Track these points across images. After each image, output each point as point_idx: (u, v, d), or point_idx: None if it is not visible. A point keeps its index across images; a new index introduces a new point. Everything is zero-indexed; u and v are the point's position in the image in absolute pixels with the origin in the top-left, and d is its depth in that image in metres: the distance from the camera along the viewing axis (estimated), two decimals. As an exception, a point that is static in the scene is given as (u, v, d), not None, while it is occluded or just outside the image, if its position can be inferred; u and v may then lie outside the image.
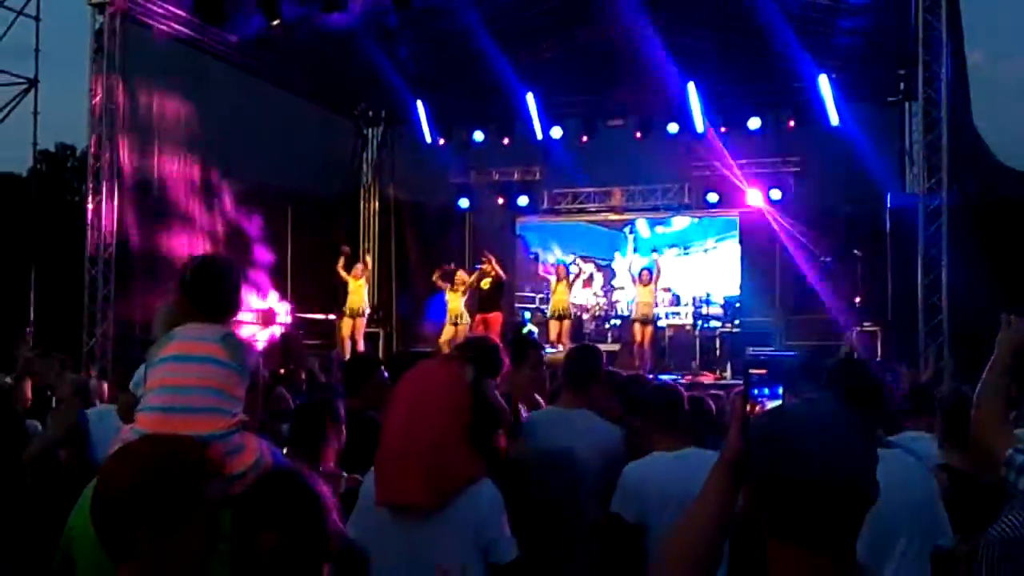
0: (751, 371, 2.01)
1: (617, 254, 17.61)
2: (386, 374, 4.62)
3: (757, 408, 1.96)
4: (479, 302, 14.25)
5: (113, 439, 2.62)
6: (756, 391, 1.98)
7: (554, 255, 17.44)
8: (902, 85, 15.33)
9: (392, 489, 2.74)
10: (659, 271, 14.60)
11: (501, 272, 14.22)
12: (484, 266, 14.35)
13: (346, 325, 14.63)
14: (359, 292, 14.74)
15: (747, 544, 2.08)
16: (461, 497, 2.76)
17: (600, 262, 17.41)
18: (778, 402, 1.96)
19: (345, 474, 3.99)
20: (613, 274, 17.26)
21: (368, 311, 14.96)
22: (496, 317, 13.97)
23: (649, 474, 3.79)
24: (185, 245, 13.42)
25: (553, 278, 14.86)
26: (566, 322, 14.35)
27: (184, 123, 13.94)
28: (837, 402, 1.69)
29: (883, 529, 2.94)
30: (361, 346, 14.48)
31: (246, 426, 2.61)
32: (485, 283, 14.21)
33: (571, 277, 14.86)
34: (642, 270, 14.84)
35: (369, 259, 16.18)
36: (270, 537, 1.97)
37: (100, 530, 1.78)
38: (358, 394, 4.48)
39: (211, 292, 2.83)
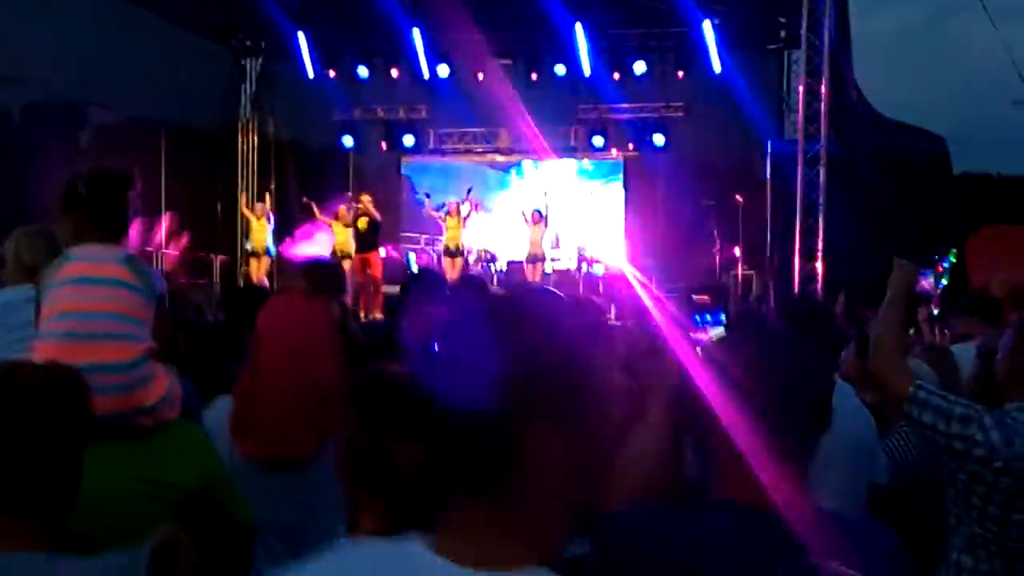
0: (693, 297, 1.98)
1: (502, 194, 17.55)
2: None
3: (701, 336, 1.93)
4: (356, 242, 13.98)
5: None
6: (699, 317, 1.96)
7: (440, 196, 17.25)
8: (783, 33, 15.64)
9: (272, 441, 2.58)
10: (547, 212, 14.68)
11: (375, 213, 13.98)
12: (359, 205, 14.12)
13: (253, 265, 14.19)
14: (262, 231, 14.28)
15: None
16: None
17: (483, 202, 17.33)
18: (720, 329, 1.94)
19: None
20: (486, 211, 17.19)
21: (272, 250, 14.46)
22: (374, 255, 13.83)
23: None
24: (49, 184, 12.67)
25: (443, 213, 14.71)
26: (458, 259, 14.29)
27: (47, 49, 13.05)
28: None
29: (823, 460, 2.98)
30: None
31: (154, 353, 2.41)
32: (361, 223, 13.95)
33: (464, 213, 14.73)
34: (533, 211, 14.86)
35: (268, 197, 15.59)
36: (409, 448, 1.70)
37: None
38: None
39: (113, 206, 2.58)
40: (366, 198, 14.26)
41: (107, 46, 13.73)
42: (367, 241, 13.88)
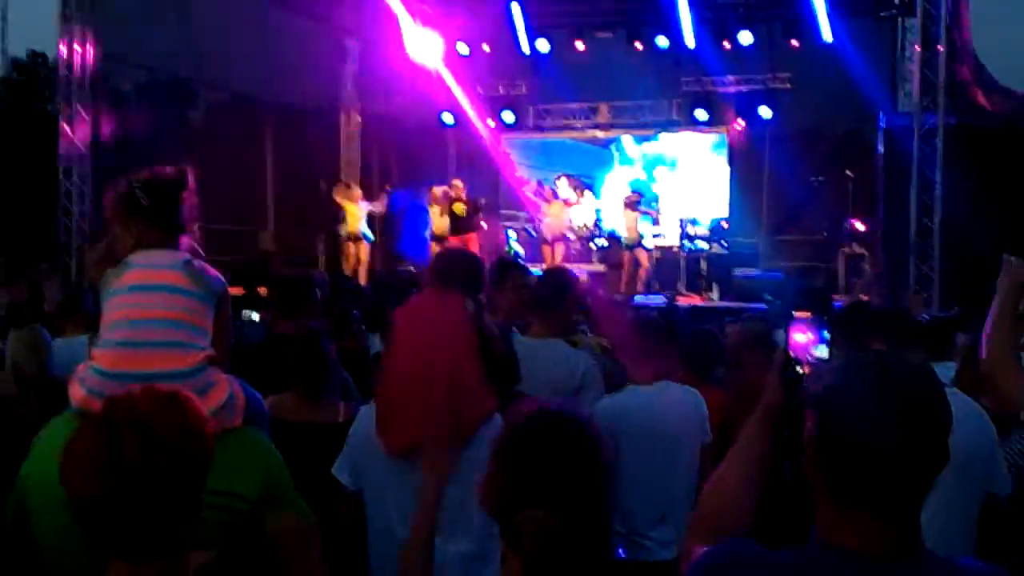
0: (794, 313, 1.87)
1: (604, 171, 17.38)
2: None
3: (799, 355, 1.83)
4: (452, 226, 14.13)
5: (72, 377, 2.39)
6: (800, 335, 1.85)
7: (540, 173, 17.18)
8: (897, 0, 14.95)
9: (412, 432, 2.57)
10: (638, 197, 14.50)
11: (466, 200, 14.13)
12: (452, 192, 14.27)
13: (350, 250, 14.32)
14: (355, 216, 14.36)
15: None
16: (477, 435, 2.62)
17: (585, 180, 17.15)
18: (824, 348, 1.83)
19: (342, 403, 3.85)
20: (595, 192, 17.00)
21: (369, 236, 14.57)
22: (471, 238, 13.90)
23: (621, 410, 3.71)
24: (161, 160, 13.04)
25: (544, 203, 14.62)
26: (559, 246, 14.23)
27: (156, 31, 13.42)
28: (912, 356, 1.56)
29: None
30: (363, 272, 14.20)
31: (214, 360, 2.39)
32: (458, 207, 14.09)
33: (563, 199, 14.64)
34: (631, 194, 14.68)
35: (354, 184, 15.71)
36: (538, 516, 1.65)
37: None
38: (292, 318, 4.34)
39: (173, 211, 2.57)
40: (458, 183, 14.41)
41: (215, 27, 14.04)
42: (464, 224, 14.00)
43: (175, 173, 2.63)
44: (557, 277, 4.52)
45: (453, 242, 13.81)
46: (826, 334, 1.86)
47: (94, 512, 1.60)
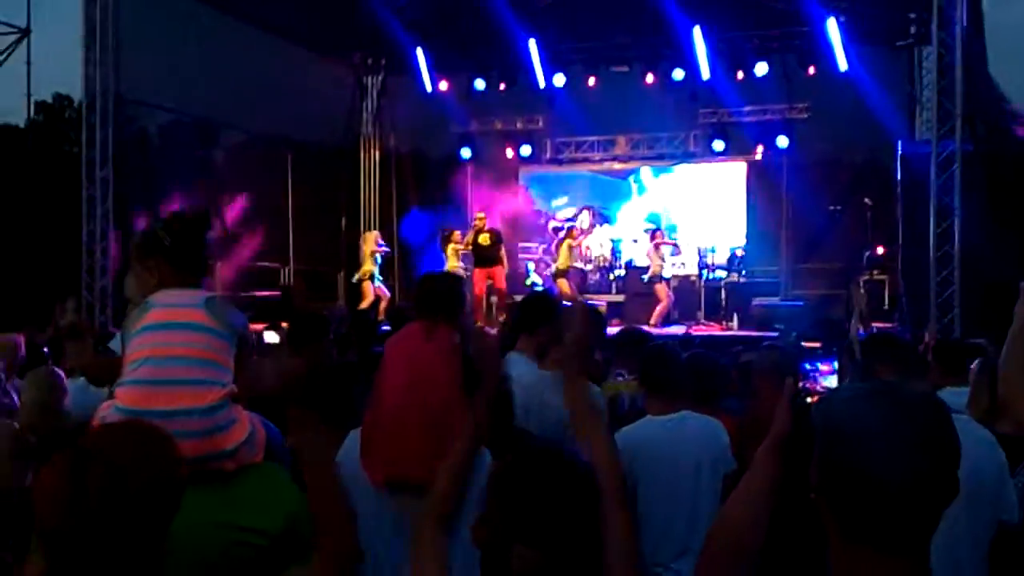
0: (803, 344, 1.89)
1: (622, 203, 17.43)
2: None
3: (809, 385, 1.85)
4: (477, 258, 14.14)
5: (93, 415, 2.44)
6: (809, 365, 1.86)
7: (558, 206, 17.30)
8: (913, 29, 15.00)
9: (396, 465, 2.59)
10: (663, 233, 14.53)
11: (489, 231, 14.17)
12: (476, 223, 14.34)
13: (366, 288, 14.42)
14: (369, 263, 14.43)
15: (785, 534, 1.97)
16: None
17: (602, 211, 17.23)
18: (833, 378, 1.84)
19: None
20: (611, 222, 17.05)
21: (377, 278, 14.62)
22: (498, 271, 13.97)
23: (636, 441, 3.70)
24: (183, 199, 13.23)
25: (559, 238, 14.65)
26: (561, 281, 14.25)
27: (181, 73, 13.64)
28: (918, 386, 1.56)
29: None
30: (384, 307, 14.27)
31: (236, 398, 2.43)
32: (483, 238, 14.10)
33: (576, 237, 14.66)
34: (654, 230, 14.72)
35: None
36: (528, 555, 1.68)
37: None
38: (301, 355, 4.37)
39: (195, 250, 2.62)
40: (481, 215, 14.54)
41: (236, 68, 14.24)
42: (490, 256, 13.99)
43: (196, 214, 2.69)
44: (530, 299, 4.61)
45: (478, 275, 13.95)
46: (835, 364, 1.87)
47: (56, 545, 1.60)
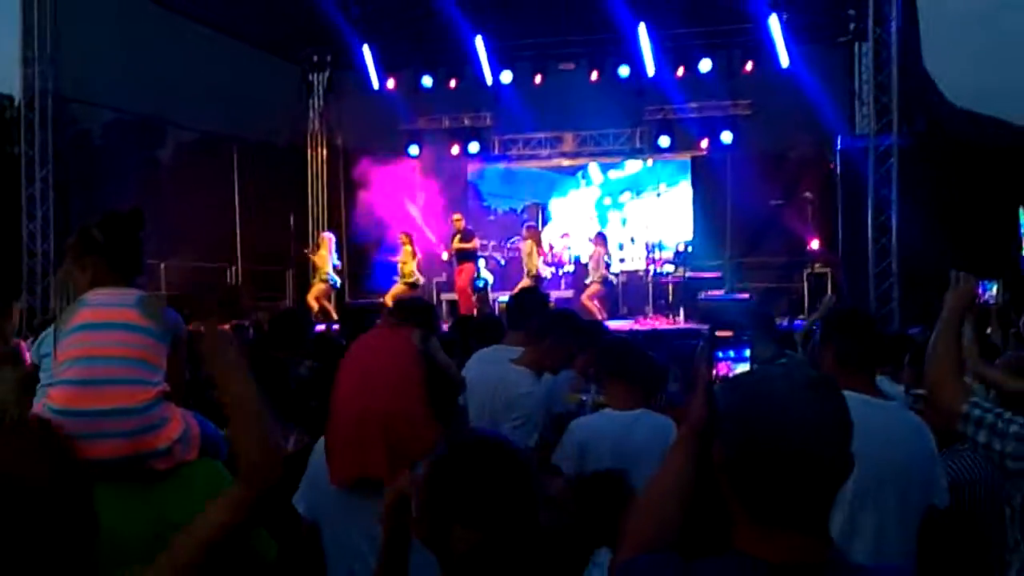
0: (716, 333, 1.94)
1: (567, 198, 17.56)
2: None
3: (723, 372, 1.89)
4: (458, 256, 14.54)
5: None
6: (721, 353, 1.91)
7: (506, 202, 17.39)
8: (852, 26, 15.29)
9: (351, 464, 2.62)
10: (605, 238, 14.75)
11: (463, 231, 14.54)
12: (455, 224, 14.70)
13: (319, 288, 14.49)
14: (324, 262, 14.55)
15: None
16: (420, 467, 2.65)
17: (544, 209, 17.36)
18: (745, 365, 1.89)
19: (295, 433, 3.86)
20: (548, 218, 17.18)
21: (333, 278, 14.70)
22: (467, 267, 14.37)
23: (593, 432, 3.75)
24: (128, 199, 13.07)
25: (526, 241, 14.73)
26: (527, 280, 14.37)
27: (124, 71, 13.46)
28: (810, 366, 1.64)
29: (873, 481, 2.94)
30: (329, 306, 14.44)
31: (168, 396, 2.43)
32: (456, 239, 14.50)
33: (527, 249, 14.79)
34: (596, 235, 14.88)
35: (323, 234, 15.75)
36: (469, 535, 1.71)
37: None
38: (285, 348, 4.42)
39: (128, 249, 2.63)
40: (458, 216, 14.86)
41: (180, 65, 14.08)
42: (464, 255, 14.43)
43: (130, 213, 2.69)
44: (522, 294, 4.73)
45: (458, 271, 14.44)
46: (747, 352, 1.93)
47: None
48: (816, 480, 1.47)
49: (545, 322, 4.57)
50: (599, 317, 13.38)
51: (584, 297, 14.08)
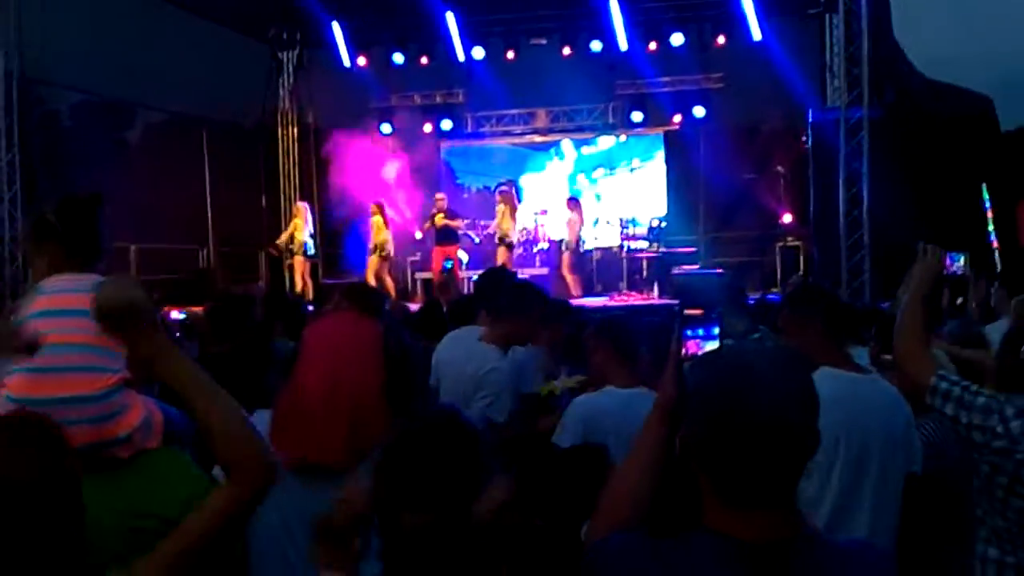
0: (686, 312, 1.95)
1: (541, 174, 17.52)
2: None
3: (692, 351, 1.90)
4: (438, 236, 14.51)
5: None
6: (690, 331, 1.91)
7: (480, 180, 17.33)
8: (823, -3, 15.31)
9: (304, 445, 2.60)
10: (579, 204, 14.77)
11: (446, 211, 14.55)
12: (437, 203, 14.67)
13: (296, 264, 14.50)
14: (299, 232, 14.63)
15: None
16: (372, 454, 2.65)
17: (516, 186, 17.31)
18: (715, 343, 1.90)
19: None
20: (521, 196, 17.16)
21: (309, 249, 14.73)
22: (454, 248, 14.46)
23: (596, 408, 3.76)
24: (96, 182, 12.91)
25: (499, 204, 14.72)
26: (502, 248, 14.38)
27: (91, 52, 13.26)
28: (773, 342, 1.64)
29: (860, 453, 3.05)
30: (309, 288, 14.47)
31: (129, 383, 2.40)
32: (439, 219, 14.43)
33: (515, 202, 14.78)
34: (568, 199, 14.92)
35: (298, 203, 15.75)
36: (415, 519, 1.72)
37: None
38: (226, 338, 4.37)
39: (86, 234, 2.57)
40: (440, 195, 14.87)
41: (148, 46, 13.89)
42: (447, 235, 14.44)
43: (88, 197, 2.64)
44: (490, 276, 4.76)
45: (437, 252, 14.40)
46: (715, 331, 1.94)
47: None
48: (783, 454, 1.48)
49: (508, 297, 4.59)
50: (574, 293, 13.44)
51: (564, 269, 14.12)
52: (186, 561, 1.77)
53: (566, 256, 14.33)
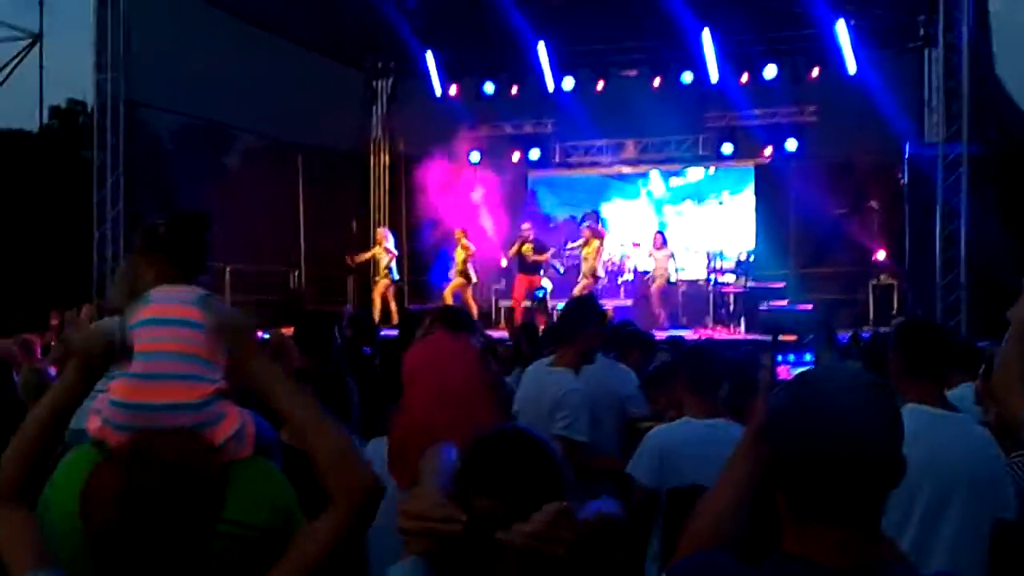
0: (779, 336, 1.94)
1: (629, 204, 17.48)
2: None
3: (784, 376, 1.89)
4: (520, 266, 14.72)
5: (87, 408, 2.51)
6: (781, 357, 1.92)
7: (567, 210, 17.39)
8: (922, 31, 14.95)
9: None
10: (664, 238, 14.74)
11: (533, 241, 14.68)
12: (523, 233, 14.81)
13: (378, 286, 14.92)
14: (381, 257, 14.97)
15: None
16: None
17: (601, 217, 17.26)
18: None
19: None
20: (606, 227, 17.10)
21: (394, 276, 15.06)
22: (536, 279, 14.52)
23: (672, 440, 3.73)
24: (195, 204, 13.32)
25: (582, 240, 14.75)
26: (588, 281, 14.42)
27: (192, 77, 13.76)
28: (863, 368, 1.62)
29: (939, 493, 2.99)
30: (392, 306, 14.80)
31: (226, 393, 2.48)
32: (527, 249, 14.56)
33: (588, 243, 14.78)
34: (656, 233, 14.85)
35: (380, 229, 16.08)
36: (485, 504, 1.80)
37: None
38: (310, 354, 4.46)
39: (193, 248, 2.69)
40: (527, 226, 15.00)
41: (247, 72, 14.38)
42: (532, 266, 14.59)
43: (196, 214, 2.77)
44: (572, 306, 4.80)
45: (520, 280, 14.62)
46: (808, 357, 1.93)
47: (109, 543, 1.73)
48: (862, 480, 1.47)
49: (566, 319, 4.69)
50: (659, 323, 13.34)
51: (654, 302, 14.06)
52: None
53: (655, 288, 14.21)
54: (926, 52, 15.06)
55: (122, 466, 1.79)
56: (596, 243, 14.31)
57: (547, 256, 14.83)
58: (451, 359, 2.79)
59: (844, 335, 8.52)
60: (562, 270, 15.75)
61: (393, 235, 15.49)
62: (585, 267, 14.39)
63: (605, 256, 15.31)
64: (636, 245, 16.42)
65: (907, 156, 13.05)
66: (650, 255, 14.74)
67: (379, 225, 17.34)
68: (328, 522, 1.94)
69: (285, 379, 2.05)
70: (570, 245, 15.44)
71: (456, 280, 14.52)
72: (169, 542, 1.73)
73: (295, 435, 2.03)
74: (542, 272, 14.77)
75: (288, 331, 7.73)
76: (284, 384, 2.04)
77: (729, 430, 3.68)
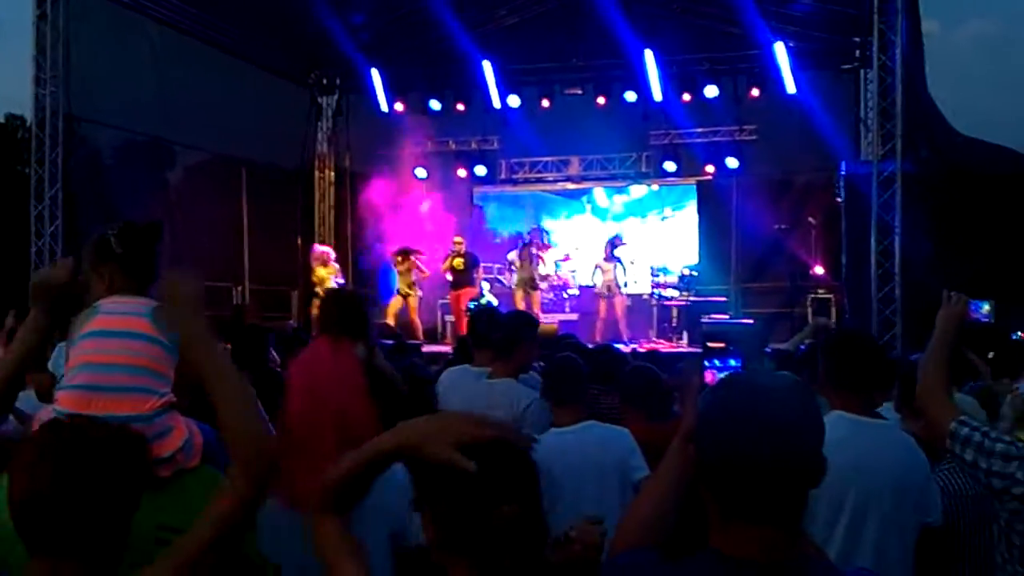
0: (708, 343, 2.00)
1: (572, 221, 17.63)
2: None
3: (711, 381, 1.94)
4: (454, 281, 14.68)
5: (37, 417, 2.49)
6: (710, 363, 1.97)
7: (513, 226, 17.47)
8: (857, 53, 15.39)
9: (297, 481, 2.61)
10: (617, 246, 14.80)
11: (464, 255, 14.72)
12: (455, 247, 14.83)
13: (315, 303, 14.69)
14: (327, 275, 14.73)
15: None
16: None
17: (546, 233, 17.39)
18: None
19: None
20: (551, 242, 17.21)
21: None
22: (466, 292, 14.42)
23: (543, 453, 3.75)
24: (136, 219, 13.09)
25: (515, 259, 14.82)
26: (535, 294, 14.47)
27: (135, 92, 13.60)
28: (784, 372, 1.67)
29: (864, 499, 3.03)
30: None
31: (174, 406, 2.48)
32: (457, 262, 14.59)
33: (530, 257, 14.86)
34: (606, 244, 14.97)
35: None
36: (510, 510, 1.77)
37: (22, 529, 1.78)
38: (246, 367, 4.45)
39: (145, 259, 2.67)
40: (459, 239, 14.98)
41: (191, 87, 14.24)
42: (463, 278, 14.57)
43: (148, 224, 2.75)
44: (517, 321, 4.80)
45: (452, 296, 14.61)
46: (732, 363, 1.99)
47: (26, 512, 1.77)
48: (785, 479, 1.51)
49: (508, 330, 4.71)
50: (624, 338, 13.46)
51: (618, 314, 14.14)
52: (191, 563, 1.88)
53: (618, 301, 14.29)
54: (862, 73, 15.49)
55: (42, 434, 1.84)
56: (528, 254, 14.44)
57: (478, 272, 14.82)
58: (323, 363, 2.76)
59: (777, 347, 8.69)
60: (509, 285, 15.81)
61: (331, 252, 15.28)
62: (517, 278, 14.60)
63: (550, 270, 15.42)
64: (566, 259, 16.57)
65: (843, 174, 13.38)
66: (597, 267, 14.82)
67: (325, 240, 17.25)
68: (223, 498, 1.95)
69: (214, 344, 2.04)
70: (511, 256, 15.47)
71: (394, 302, 14.42)
72: (74, 511, 1.76)
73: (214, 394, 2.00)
74: (475, 284, 14.75)
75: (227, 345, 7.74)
76: (212, 349, 2.04)
77: (591, 431, 3.85)
